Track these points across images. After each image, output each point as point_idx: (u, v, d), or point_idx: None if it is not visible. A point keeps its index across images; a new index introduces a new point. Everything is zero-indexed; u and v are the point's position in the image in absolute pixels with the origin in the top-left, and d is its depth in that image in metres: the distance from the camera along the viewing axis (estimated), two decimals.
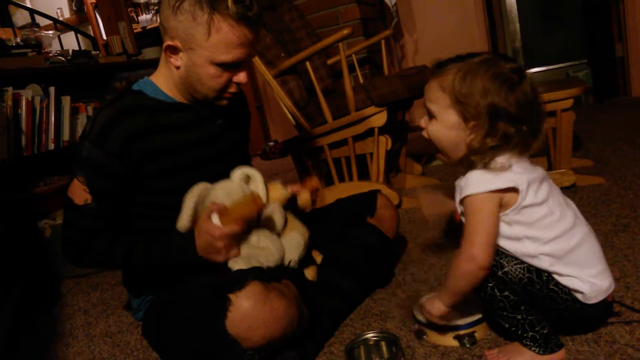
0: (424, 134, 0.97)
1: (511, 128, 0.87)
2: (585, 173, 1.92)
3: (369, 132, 1.99)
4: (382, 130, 1.98)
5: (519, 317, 0.93)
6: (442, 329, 1.05)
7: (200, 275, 1.13)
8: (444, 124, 0.92)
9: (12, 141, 2.17)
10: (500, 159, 0.89)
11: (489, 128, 0.87)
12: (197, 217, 1.12)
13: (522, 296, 0.93)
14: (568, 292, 0.92)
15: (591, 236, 0.96)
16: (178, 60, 1.13)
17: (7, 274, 1.81)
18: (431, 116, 0.95)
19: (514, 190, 0.89)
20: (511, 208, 0.90)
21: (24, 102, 2.22)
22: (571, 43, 4.24)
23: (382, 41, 2.59)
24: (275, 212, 1.20)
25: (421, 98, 0.99)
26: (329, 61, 2.58)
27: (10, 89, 2.19)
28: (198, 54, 1.09)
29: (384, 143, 2.00)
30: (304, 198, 1.29)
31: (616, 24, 3.47)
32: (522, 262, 0.93)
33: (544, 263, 0.92)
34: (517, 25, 4.48)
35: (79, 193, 1.10)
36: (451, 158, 0.96)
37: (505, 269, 0.92)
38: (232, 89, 1.17)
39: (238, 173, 1.20)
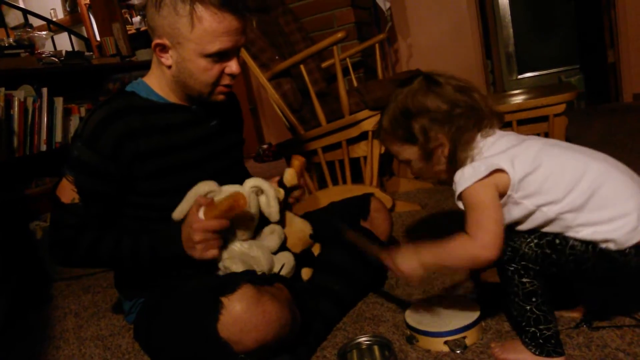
0: (418, 179, 1.05)
1: (444, 106, 0.94)
2: None
3: (363, 136, 1.99)
4: None
5: (528, 307, 0.92)
6: (433, 335, 1.05)
7: (191, 277, 1.13)
8: (415, 159, 1.01)
9: (3, 142, 2.16)
10: (475, 149, 0.93)
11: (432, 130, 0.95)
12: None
13: (543, 268, 0.90)
14: (593, 247, 0.88)
15: (612, 170, 0.91)
16: (169, 59, 1.14)
17: None
18: (407, 163, 1.04)
19: (500, 171, 0.90)
20: (510, 188, 0.90)
21: (16, 103, 2.21)
22: (564, 49, 4.28)
23: (376, 45, 2.60)
24: (275, 231, 1.21)
25: None
26: (323, 64, 2.59)
27: (2, 89, 2.17)
28: (186, 47, 1.09)
29: (378, 146, 2.01)
30: (288, 178, 1.27)
31: (608, 30, 3.51)
32: (533, 239, 0.91)
33: (566, 222, 0.89)
34: (511, 30, 4.51)
35: (67, 192, 1.11)
36: (446, 176, 1.00)
37: (521, 252, 0.91)
38: (226, 81, 1.17)
39: (250, 183, 1.18)
